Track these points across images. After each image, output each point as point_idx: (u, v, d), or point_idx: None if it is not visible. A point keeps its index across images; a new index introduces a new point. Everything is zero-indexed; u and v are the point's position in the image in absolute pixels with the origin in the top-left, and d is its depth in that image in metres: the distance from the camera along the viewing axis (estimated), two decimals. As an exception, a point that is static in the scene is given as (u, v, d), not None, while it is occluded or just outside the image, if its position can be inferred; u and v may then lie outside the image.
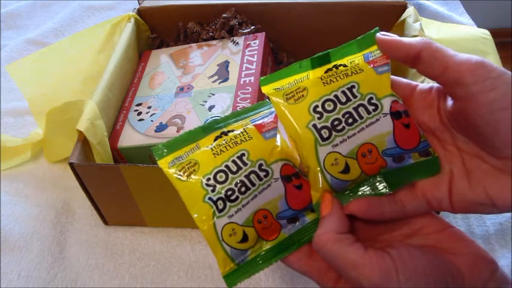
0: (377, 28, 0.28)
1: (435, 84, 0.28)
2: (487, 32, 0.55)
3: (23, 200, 0.52)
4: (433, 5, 0.71)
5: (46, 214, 0.50)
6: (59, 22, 0.80)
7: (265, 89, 0.30)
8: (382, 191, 0.28)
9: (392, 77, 0.28)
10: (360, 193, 0.28)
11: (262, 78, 0.30)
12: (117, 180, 0.41)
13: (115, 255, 0.46)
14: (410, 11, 0.54)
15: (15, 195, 0.53)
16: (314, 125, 0.27)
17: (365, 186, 0.28)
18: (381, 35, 0.28)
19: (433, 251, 0.27)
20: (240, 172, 0.28)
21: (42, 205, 0.51)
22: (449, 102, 0.26)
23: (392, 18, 0.56)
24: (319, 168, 0.27)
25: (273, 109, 0.31)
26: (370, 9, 0.57)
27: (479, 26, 0.60)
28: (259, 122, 0.30)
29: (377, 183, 0.28)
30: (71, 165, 0.40)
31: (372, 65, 0.28)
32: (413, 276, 0.25)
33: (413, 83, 0.29)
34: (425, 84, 0.29)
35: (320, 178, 0.28)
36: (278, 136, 0.30)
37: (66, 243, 0.48)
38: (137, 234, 0.48)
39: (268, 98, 0.30)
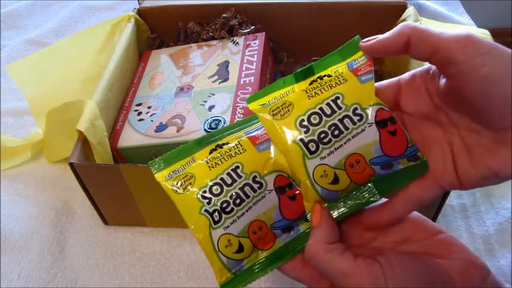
0: (358, 36, 0.29)
1: (416, 70, 0.28)
2: (487, 32, 0.55)
3: (23, 200, 0.52)
4: (433, 5, 0.71)
5: (46, 214, 0.50)
6: (59, 22, 0.80)
7: (251, 106, 0.30)
8: (372, 198, 0.28)
9: (377, 84, 0.29)
10: (350, 202, 0.28)
11: (248, 96, 0.31)
12: (117, 180, 0.41)
13: (115, 255, 0.46)
14: (410, 11, 0.54)
15: (15, 195, 0.53)
16: (301, 139, 0.28)
17: (356, 195, 0.29)
18: (364, 42, 0.28)
19: (423, 257, 0.27)
20: (234, 185, 0.29)
21: (42, 205, 0.51)
22: (442, 80, 0.26)
23: (392, 18, 0.56)
24: (308, 181, 0.28)
25: None
26: (370, 9, 0.57)
27: (479, 26, 0.61)
28: (253, 134, 0.31)
29: (367, 191, 0.29)
30: (71, 165, 0.40)
31: (355, 74, 0.28)
32: (403, 282, 0.25)
33: (395, 79, 0.29)
34: (405, 74, 0.29)
35: (311, 190, 0.28)
36: (272, 147, 0.30)
37: (66, 243, 0.48)
38: (137, 234, 0.48)
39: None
